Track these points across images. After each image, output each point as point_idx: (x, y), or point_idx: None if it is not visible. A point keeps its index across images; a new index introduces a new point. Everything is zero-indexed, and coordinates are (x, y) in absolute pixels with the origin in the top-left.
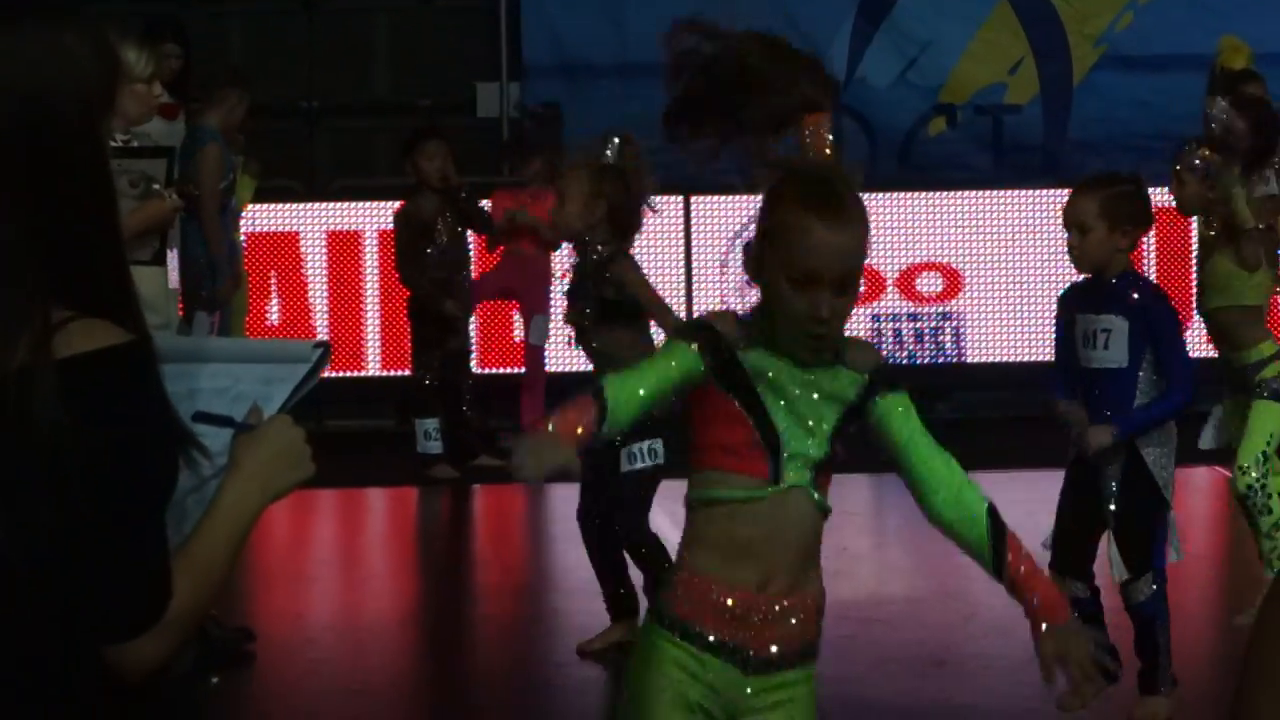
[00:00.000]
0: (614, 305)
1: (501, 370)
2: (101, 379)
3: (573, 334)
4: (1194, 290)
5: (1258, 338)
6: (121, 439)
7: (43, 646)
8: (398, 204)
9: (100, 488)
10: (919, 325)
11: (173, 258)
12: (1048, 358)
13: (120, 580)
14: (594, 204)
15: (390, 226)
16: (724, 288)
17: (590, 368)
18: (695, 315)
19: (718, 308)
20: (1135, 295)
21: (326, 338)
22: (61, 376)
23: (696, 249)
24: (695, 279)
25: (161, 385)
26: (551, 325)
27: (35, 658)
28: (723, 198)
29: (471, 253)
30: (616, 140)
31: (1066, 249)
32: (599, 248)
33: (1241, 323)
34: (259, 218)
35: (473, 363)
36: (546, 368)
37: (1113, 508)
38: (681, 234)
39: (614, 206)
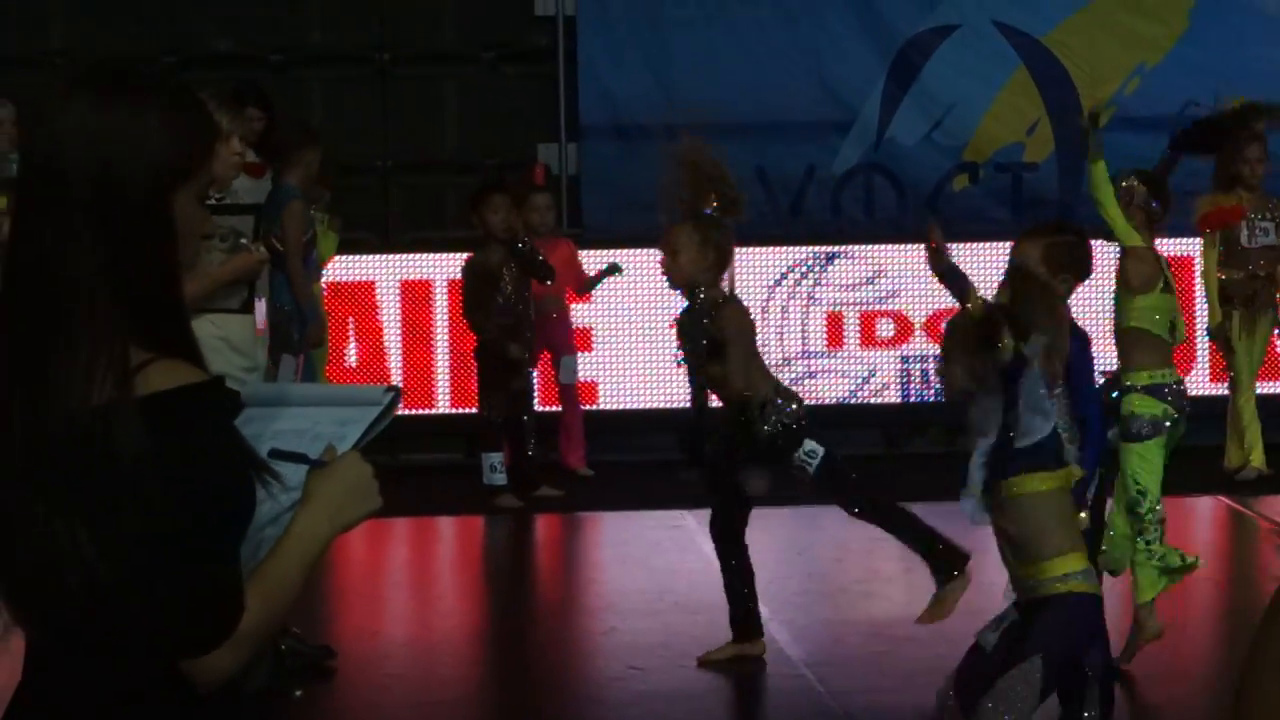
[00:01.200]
0: (722, 344)
1: (557, 409)
2: (181, 414)
3: (685, 369)
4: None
5: (1137, 363)
6: (198, 469)
7: (127, 658)
8: (465, 255)
9: (179, 513)
10: None
11: (261, 306)
12: None
13: (195, 598)
14: (704, 252)
15: (458, 276)
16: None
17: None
18: None
19: None
20: None
21: (400, 380)
22: (144, 412)
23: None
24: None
25: (232, 420)
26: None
27: (120, 669)
28: (764, 249)
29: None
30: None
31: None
32: (703, 292)
33: (1126, 348)
34: (338, 268)
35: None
36: (583, 405)
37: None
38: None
39: (721, 252)
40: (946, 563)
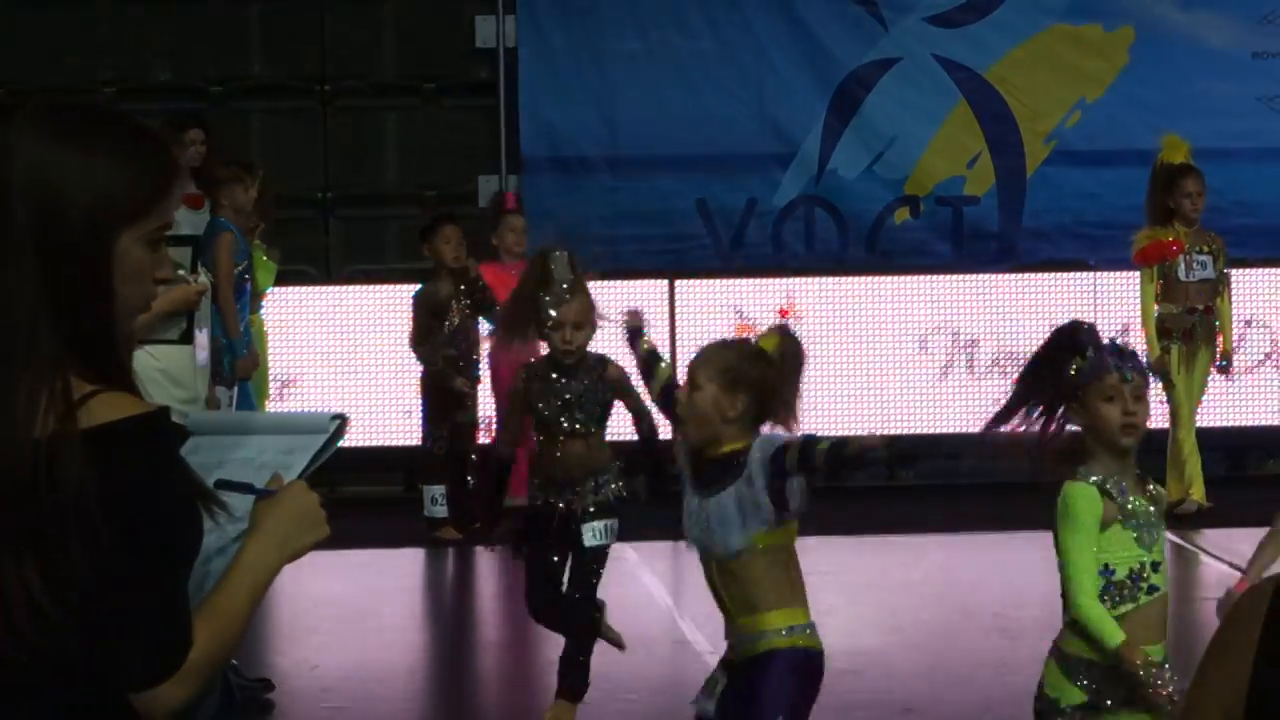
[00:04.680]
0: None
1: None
2: (125, 445)
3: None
4: None
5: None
6: (144, 500)
7: (76, 692)
8: (406, 287)
9: (125, 545)
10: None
11: (202, 337)
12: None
13: (143, 631)
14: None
15: (399, 308)
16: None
17: None
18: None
19: None
20: None
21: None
22: (88, 444)
23: (680, 328)
24: (681, 366)
25: (177, 450)
26: None
27: (69, 702)
28: (704, 280)
29: (482, 332)
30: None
31: None
32: None
33: None
34: (278, 300)
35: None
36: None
37: None
38: (667, 315)
39: None
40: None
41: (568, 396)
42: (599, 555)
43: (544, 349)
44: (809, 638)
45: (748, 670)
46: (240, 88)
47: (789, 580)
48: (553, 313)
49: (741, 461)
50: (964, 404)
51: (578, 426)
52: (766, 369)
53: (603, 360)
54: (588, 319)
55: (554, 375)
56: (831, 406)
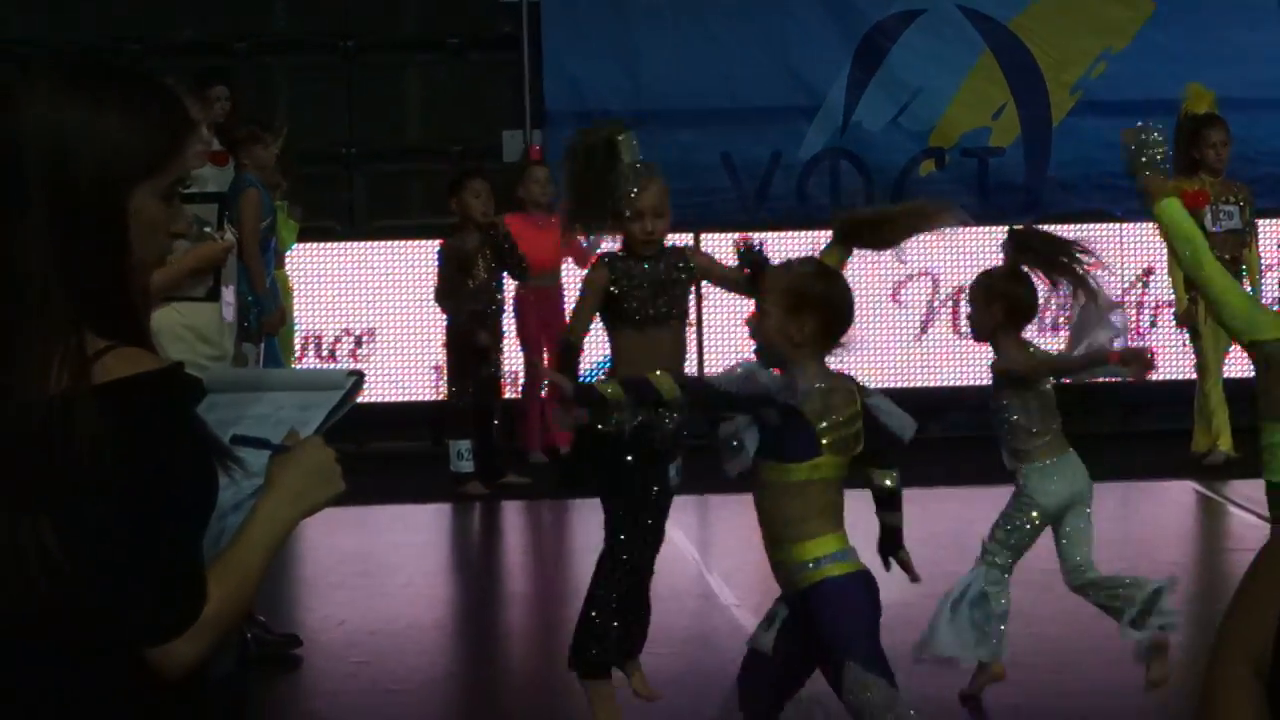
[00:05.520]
0: None
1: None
2: (139, 400)
3: None
4: None
5: None
6: (158, 455)
7: (92, 646)
8: (430, 242)
9: (139, 501)
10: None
11: (229, 294)
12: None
13: (156, 586)
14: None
15: (422, 263)
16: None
17: None
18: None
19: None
20: None
21: (366, 366)
22: (102, 399)
23: (707, 286)
24: (706, 317)
25: (192, 406)
26: None
27: (86, 657)
28: (729, 235)
29: (505, 288)
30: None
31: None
32: None
33: None
34: (301, 255)
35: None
36: None
37: None
38: None
39: None
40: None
41: (651, 281)
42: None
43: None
44: (854, 562)
45: (797, 604)
46: (264, 44)
47: (825, 510)
48: (634, 191)
49: None
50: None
51: (663, 311)
52: (830, 286)
53: (680, 249)
54: (666, 206)
55: (635, 262)
56: (861, 359)
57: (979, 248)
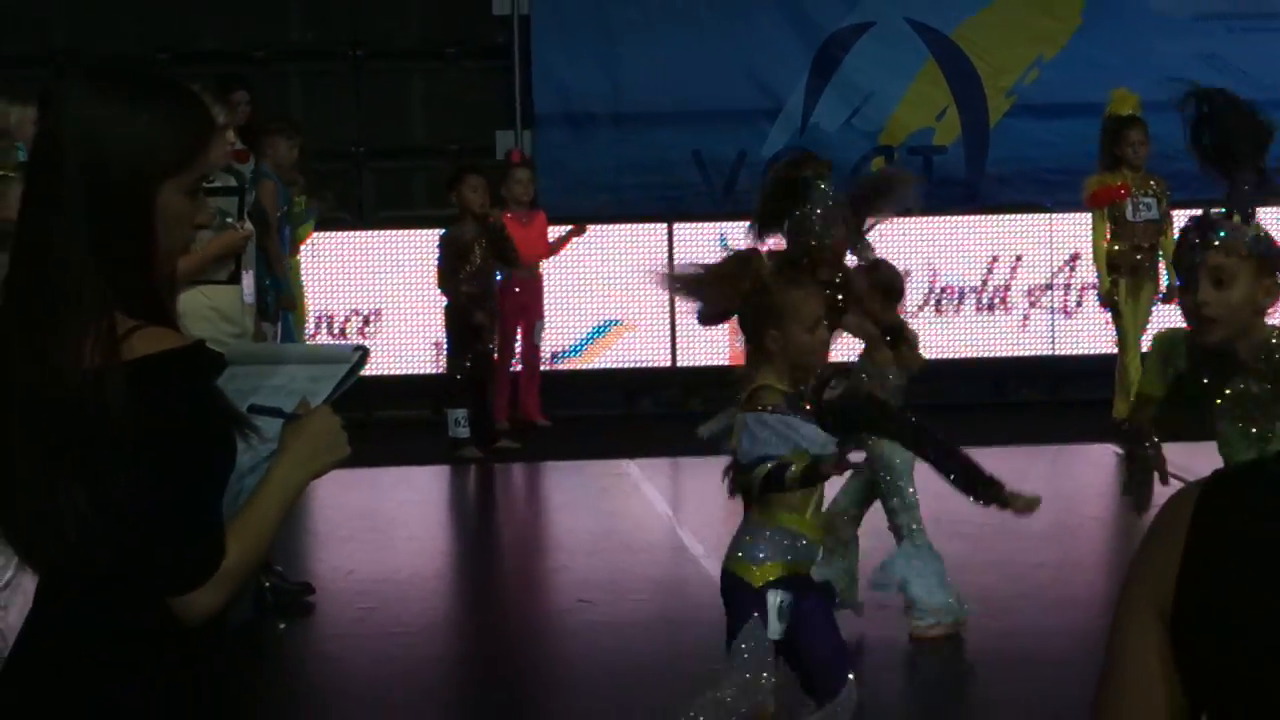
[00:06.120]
0: None
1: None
2: (165, 375)
3: None
4: None
5: None
6: (182, 425)
7: (122, 596)
8: (432, 231)
9: (164, 466)
10: None
11: (248, 278)
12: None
13: (181, 541)
14: None
15: (425, 251)
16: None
17: None
18: (679, 335)
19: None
20: None
21: (373, 344)
22: (131, 374)
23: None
24: (679, 306)
25: (212, 379)
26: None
27: (117, 605)
28: (700, 224)
29: (498, 274)
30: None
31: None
32: None
33: None
34: (315, 243)
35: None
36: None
37: None
38: (666, 255)
39: None
40: None
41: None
42: None
43: None
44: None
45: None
46: (281, 53)
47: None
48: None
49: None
50: (933, 334)
51: None
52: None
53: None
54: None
55: None
56: None
57: (925, 236)
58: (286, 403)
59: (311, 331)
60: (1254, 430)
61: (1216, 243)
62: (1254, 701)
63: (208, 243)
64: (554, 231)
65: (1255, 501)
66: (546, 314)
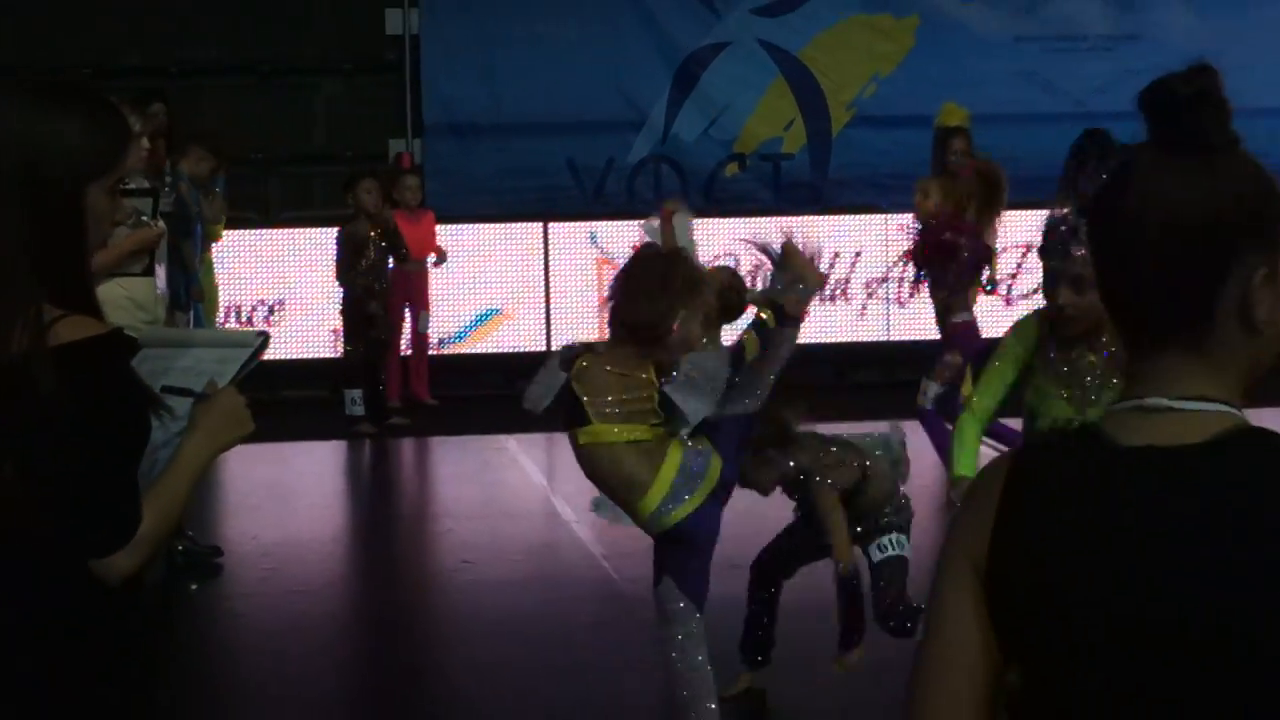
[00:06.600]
0: None
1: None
2: (88, 359)
3: None
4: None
5: None
6: (103, 404)
7: (48, 558)
8: (330, 230)
9: (87, 442)
10: None
11: (161, 270)
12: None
13: (102, 509)
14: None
15: (326, 247)
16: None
17: None
18: (553, 323)
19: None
20: None
21: (276, 331)
22: (57, 358)
23: (554, 267)
24: (553, 292)
25: (130, 363)
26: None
27: (42, 566)
28: (573, 224)
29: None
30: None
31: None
32: None
33: None
34: (226, 240)
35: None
36: (428, 350)
37: None
38: (542, 253)
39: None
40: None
41: None
42: None
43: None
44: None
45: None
46: (195, 69)
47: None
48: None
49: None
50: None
51: None
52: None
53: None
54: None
55: None
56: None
57: (774, 235)
58: (196, 383)
59: (221, 320)
60: (1079, 396)
61: (1079, 253)
62: (1055, 647)
63: (124, 239)
64: (441, 229)
65: (1062, 467)
66: (433, 304)
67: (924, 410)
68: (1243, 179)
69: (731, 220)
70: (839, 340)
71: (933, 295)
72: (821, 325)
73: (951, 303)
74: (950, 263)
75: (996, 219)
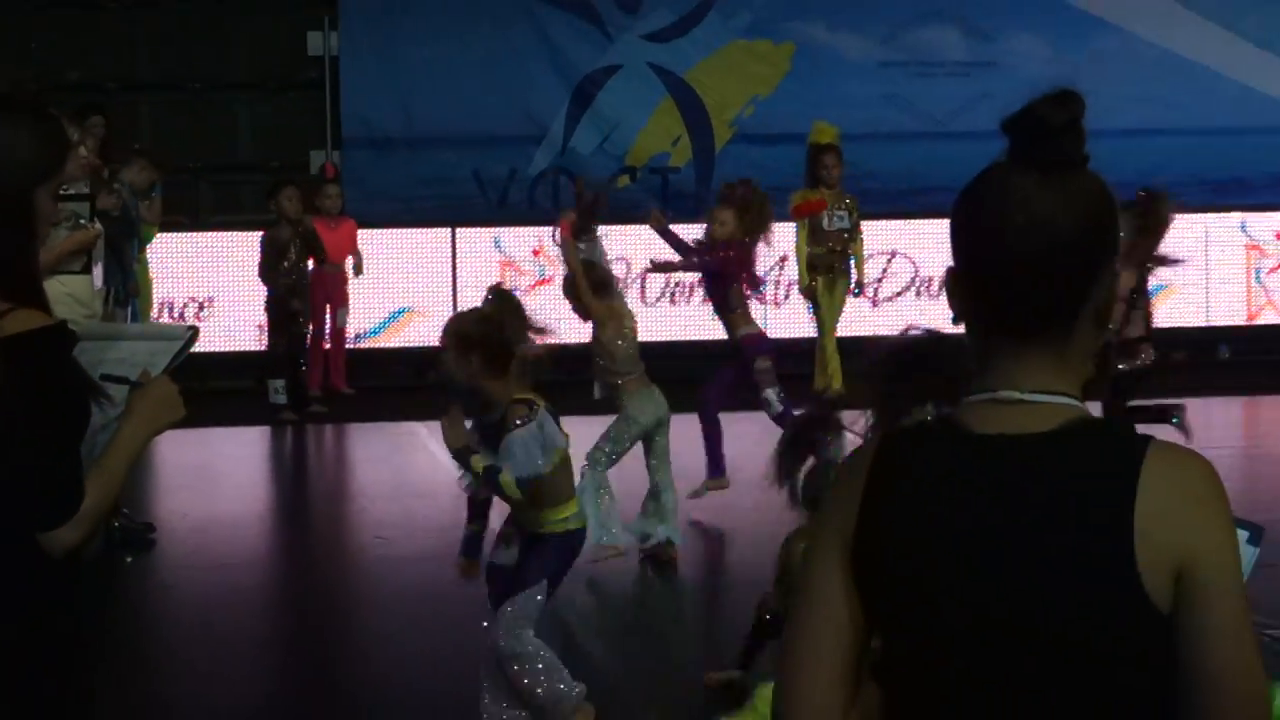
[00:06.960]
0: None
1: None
2: (34, 350)
3: None
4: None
5: None
6: (48, 391)
7: None
8: (254, 233)
9: (34, 424)
10: None
11: (98, 269)
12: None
13: (48, 487)
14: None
15: (253, 249)
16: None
17: None
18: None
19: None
20: None
21: (206, 326)
22: (4, 349)
23: (461, 269)
24: (460, 293)
25: (72, 353)
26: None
27: None
28: (478, 230)
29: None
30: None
31: None
32: None
33: None
34: (160, 242)
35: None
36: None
37: None
38: (449, 256)
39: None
40: None
41: None
42: None
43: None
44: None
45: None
46: (132, 85)
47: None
48: None
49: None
50: (669, 320)
51: None
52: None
53: None
54: None
55: None
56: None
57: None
58: (131, 372)
59: (155, 314)
60: None
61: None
62: (917, 632)
63: (64, 239)
64: (362, 234)
65: (923, 453)
66: (351, 302)
67: (781, 414)
68: (1098, 195)
69: (623, 227)
70: (722, 337)
71: (720, 315)
72: (704, 323)
73: (734, 319)
74: (728, 289)
75: (763, 238)
